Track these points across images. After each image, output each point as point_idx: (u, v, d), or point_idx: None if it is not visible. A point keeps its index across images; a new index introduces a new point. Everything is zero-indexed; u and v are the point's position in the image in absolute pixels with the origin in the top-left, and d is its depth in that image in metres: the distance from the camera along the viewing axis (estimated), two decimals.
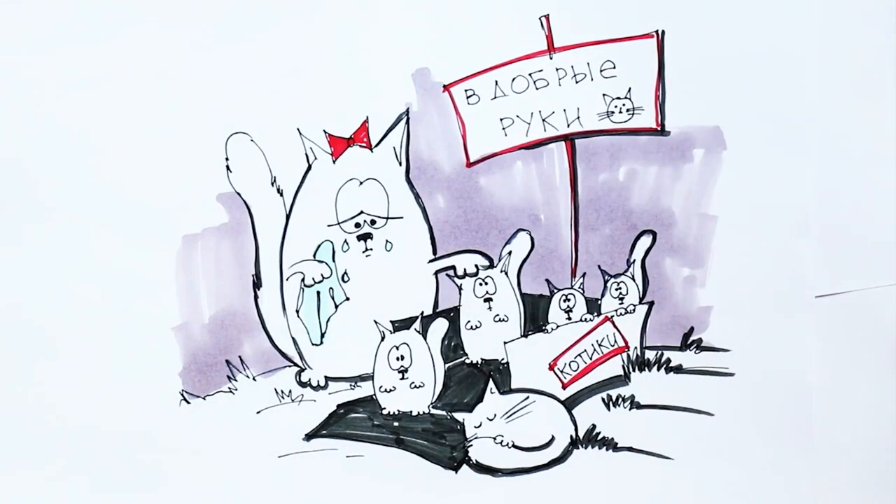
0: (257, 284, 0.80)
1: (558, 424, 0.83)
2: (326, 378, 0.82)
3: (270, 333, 0.81)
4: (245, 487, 0.82)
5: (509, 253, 0.82)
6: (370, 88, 0.79)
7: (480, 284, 0.82)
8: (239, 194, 0.79)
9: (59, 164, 0.78)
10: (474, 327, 0.83)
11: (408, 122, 0.80)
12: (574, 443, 0.83)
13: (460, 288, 0.82)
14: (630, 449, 0.84)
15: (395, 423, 0.82)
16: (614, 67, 0.81)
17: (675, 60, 0.80)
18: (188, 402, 0.81)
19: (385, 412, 0.82)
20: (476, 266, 0.82)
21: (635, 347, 0.84)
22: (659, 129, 0.81)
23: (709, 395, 0.84)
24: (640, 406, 0.84)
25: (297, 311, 0.81)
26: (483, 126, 0.80)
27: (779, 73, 0.81)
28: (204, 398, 0.81)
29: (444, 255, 0.82)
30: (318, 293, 0.81)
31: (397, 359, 0.82)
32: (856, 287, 0.84)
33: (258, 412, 0.81)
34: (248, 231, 0.80)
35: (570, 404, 0.83)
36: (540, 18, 0.80)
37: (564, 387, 0.83)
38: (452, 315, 0.82)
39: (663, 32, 0.80)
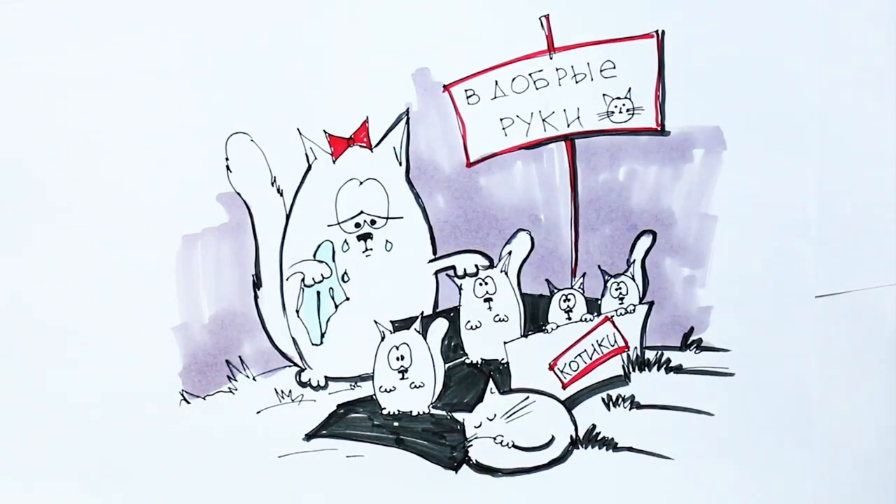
0: (257, 284, 0.80)
1: (558, 424, 0.83)
2: (326, 378, 0.82)
3: (270, 333, 0.81)
4: (245, 487, 0.82)
5: (509, 253, 0.82)
6: (370, 88, 0.79)
7: (480, 284, 0.82)
8: (239, 194, 0.79)
9: (58, 164, 0.78)
10: (474, 327, 0.83)
11: (408, 122, 0.80)
12: (574, 443, 0.83)
13: (460, 288, 0.82)
14: (630, 449, 0.84)
15: (395, 423, 0.82)
16: (614, 67, 0.81)
17: (675, 60, 0.80)
18: (188, 402, 0.81)
19: (385, 412, 0.82)
20: (476, 266, 0.82)
21: (635, 347, 0.84)
22: (659, 129, 0.81)
23: (709, 395, 0.84)
24: (640, 406, 0.84)
25: (297, 311, 0.81)
26: (483, 126, 0.80)
27: (779, 74, 0.81)
28: (204, 398, 0.81)
29: (444, 255, 0.81)
30: (318, 293, 0.81)
31: (397, 359, 0.82)
32: (856, 287, 0.84)
33: (258, 412, 0.81)
34: (248, 231, 0.80)
35: (570, 404, 0.83)
36: (540, 18, 0.80)
37: (564, 387, 0.83)
38: (452, 315, 0.82)
39: (663, 32, 0.80)
